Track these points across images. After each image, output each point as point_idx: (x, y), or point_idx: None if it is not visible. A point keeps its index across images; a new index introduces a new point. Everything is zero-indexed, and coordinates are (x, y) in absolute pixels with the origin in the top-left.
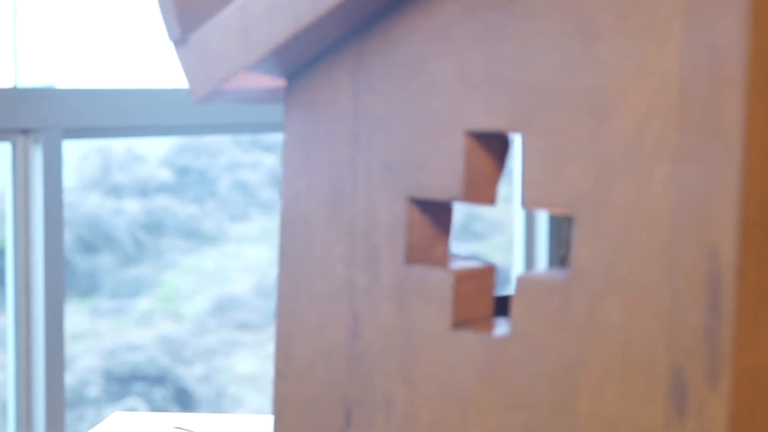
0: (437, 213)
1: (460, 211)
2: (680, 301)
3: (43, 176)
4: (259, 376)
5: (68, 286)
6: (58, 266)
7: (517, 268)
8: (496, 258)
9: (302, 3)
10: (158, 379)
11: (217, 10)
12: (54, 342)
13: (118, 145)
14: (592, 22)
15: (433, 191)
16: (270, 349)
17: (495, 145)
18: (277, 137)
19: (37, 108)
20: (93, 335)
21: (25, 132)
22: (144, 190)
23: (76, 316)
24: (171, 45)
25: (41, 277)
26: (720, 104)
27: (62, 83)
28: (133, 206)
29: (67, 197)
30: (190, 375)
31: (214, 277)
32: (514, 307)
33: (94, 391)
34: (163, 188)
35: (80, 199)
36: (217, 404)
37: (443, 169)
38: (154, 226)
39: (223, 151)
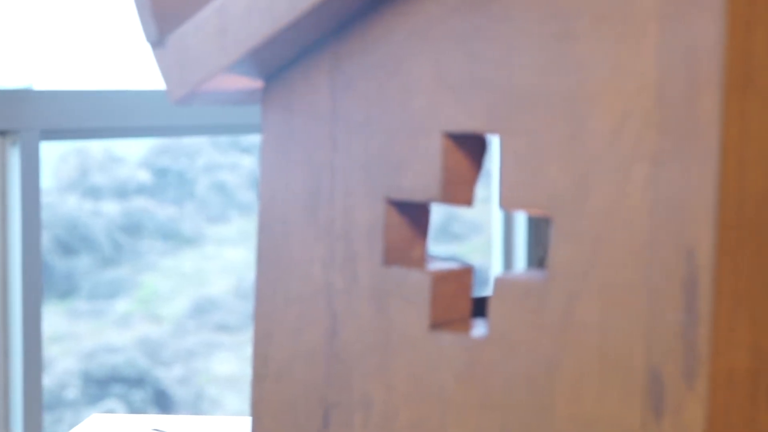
0: (415, 214)
1: (438, 212)
2: (657, 301)
3: (21, 178)
4: (238, 378)
5: (46, 288)
6: (35, 268)
7: (496, 269)
8: (475, 259)
9: (280, 4)
10: (137, 381)
11: (194, 11)
12: (32, 344)
13: (96, 147)
14: (569, 23)
15: (411, 192)
16: (249, 350)
17: (472, 147)
18: (255, 139)
19: (15, 109)
20: (71, 337)
21: (2, 133)
22: (122, 192)
23: (54, 317)
24: (148, 46)
25: (19, 278)
26: (696, 105)
27: (40, 85)
28: (111, 208)
29: (45, 199)
30: (168, 377)
31: (193, 278)
32: (492, 308)
33: (72, 393)
34: (141, 190)
35: (58, 201)
36: (196, 406)
37: (421, 171)
38: (132, 228)
39: (202, 152)
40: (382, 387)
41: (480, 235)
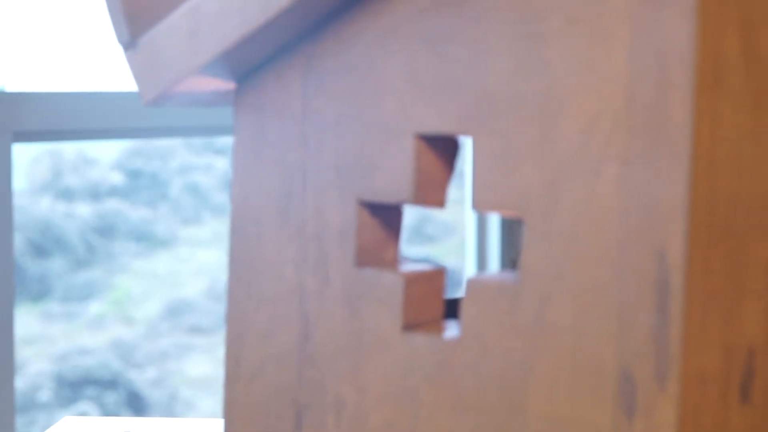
0: (387, 216)
1: (412, 214)
2: (629, 302)
3: None
4: (211, 380)
5: (19, 291)
6: (8, 270)
7: (470, 270)
8: (449, 261)
9: (252, 6)
10: (110, 383)
11: (166, 13)
12: (4, 346)
13: (69, 149)
14: (540, 25)
15: (383, 194)
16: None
17: (445, 148)
18: (229, 140)
19: None
20: (44, 339)
21: None
22: (95, 194)
23: (27, 320)
24: (120, 48)
25: None
26: (667, 107)
27: (12, 86)
28: (84, 210)
29: (18, 201)
30: (142, 379)
31: (166, 280)
32: (464, 310)
33: (45, 395)
34: (114, 192)
35: (31, 203)
36: (170, 408)
37: (393, 172)
38: (105, 230)
39: (175, 154)
40: (354, 389)
41: (453, 236)
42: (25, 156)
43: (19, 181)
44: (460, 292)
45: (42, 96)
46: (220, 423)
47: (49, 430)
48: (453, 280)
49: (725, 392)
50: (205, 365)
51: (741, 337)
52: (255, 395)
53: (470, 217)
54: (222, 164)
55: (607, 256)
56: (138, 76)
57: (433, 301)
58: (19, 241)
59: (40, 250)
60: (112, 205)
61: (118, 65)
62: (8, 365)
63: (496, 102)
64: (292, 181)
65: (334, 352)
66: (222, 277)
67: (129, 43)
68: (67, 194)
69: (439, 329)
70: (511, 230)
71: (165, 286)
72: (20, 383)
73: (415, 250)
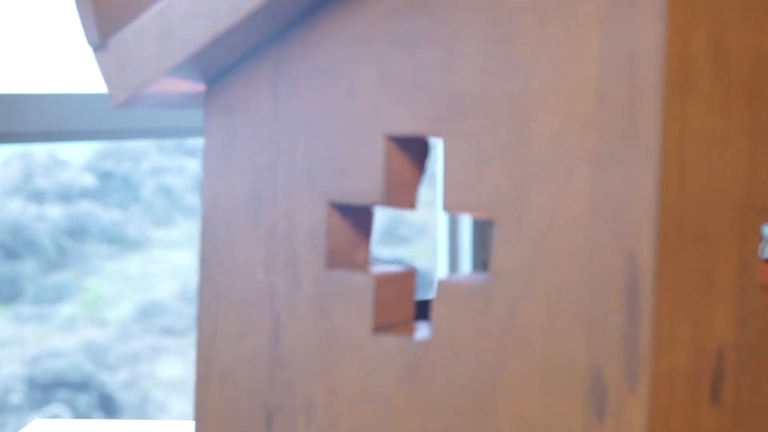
0: (358, 217)
1: (385, 215)
2: (599, 303)
3: None
4: (183, 382)
5: None
6: None
7: (442, 272)
8: (422, 262)
9: (222, 7)
10: (82, 385)
11: (136, 15)
12: None
13: (40, 151)
14: (511, 26)
15: (354, 196)
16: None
17: (415, 150)
18: (201, 142)
19: None
20: (15, 342)
21: None
22: (67, 196)
23: None
24: (90, 50)
25: None
26: (637, 109)
27: None
28: (55, 212)
29: None
30: (114, 381)
31: (138, 282)
32: (435, 311)
33: (16, 398)
34: (86, 193)
35: (2, 205)
36: (142, 410)
37: (363, 174)
38: (77, 232)
39: (147, 156)
40: (325, 390)
41: (426, 238)
42: None
43: None
44: (431, 294)
45: (12, 98)
46: (191, 425)
47: None
48: (425, 282)
49: (695, 393)
50: (177, 367)
51: (711, 337)
52: (226, 397)
53: (442, 219)
54: (194, 166)
55: (578, 257)
56: (108, 78)
57: (403, 303)
58: None
59: (10, 253)
60: (84, 207)
61: (88, 67)
62: None
63: (467, 103)
64: (262, 183)
65: (305, 353)
66: (194, 279)
67: (99, 45)
68: (38, 196)
69: (410, 330)
70: (483, 232)
71: (137, 288)
72: None
73: (388, 252)
